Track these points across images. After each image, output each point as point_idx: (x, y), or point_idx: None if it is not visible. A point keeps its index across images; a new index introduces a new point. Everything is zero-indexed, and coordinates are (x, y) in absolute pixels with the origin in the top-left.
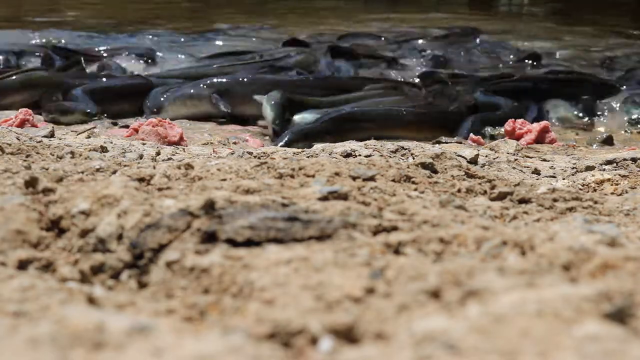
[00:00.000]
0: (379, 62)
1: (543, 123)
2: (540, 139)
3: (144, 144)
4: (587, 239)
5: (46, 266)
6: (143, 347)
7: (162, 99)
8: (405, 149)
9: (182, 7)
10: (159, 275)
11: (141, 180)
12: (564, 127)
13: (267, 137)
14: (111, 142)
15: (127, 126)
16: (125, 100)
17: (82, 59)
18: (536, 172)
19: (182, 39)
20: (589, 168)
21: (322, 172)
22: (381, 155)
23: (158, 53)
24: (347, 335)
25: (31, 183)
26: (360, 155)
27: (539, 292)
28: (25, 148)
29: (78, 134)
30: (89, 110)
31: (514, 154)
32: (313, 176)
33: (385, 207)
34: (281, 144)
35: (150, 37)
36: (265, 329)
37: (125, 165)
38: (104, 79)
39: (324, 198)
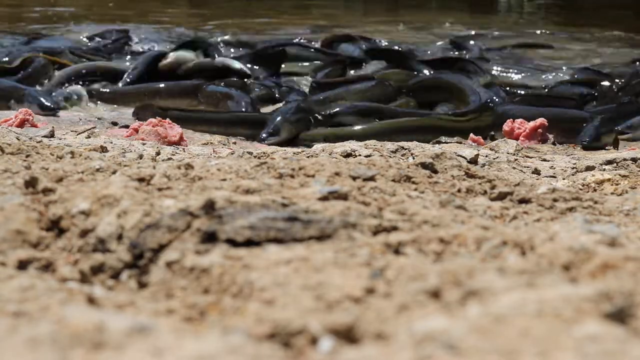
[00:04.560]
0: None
1: (539, 120)
2: (532, 135)
3: (144, 144)
4: (587, 239)
5: (46, 266)
6: (143, 347)
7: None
8: (405, 149)
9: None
10: (159, 275)
11: (141, 180)
12: None
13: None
14: (111, 142)
15: (127, 126)
16: None
17: None
18: (536, 172)
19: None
20: (589, 168)
21: (322, 172)
22: (381, 155)
23: None
24: (347, 335)
25: (31, 183)
26: (360, 155)
27: (539, 292)
28: (25, 148)
29: (78, 134)
30: None
31: (514, 154)
32: (313, 176)
33: (385, 207)
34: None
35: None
36: (265, 329)
37: (125, 165)
38: None
39: (324, 198)
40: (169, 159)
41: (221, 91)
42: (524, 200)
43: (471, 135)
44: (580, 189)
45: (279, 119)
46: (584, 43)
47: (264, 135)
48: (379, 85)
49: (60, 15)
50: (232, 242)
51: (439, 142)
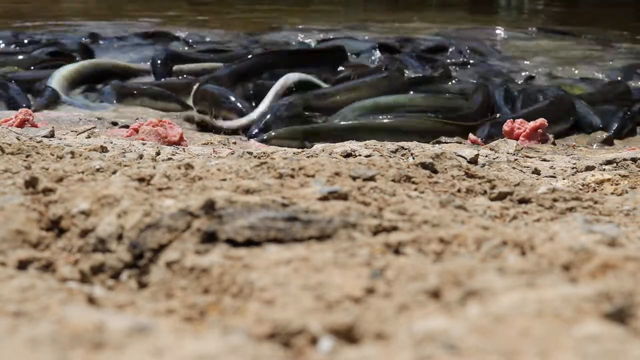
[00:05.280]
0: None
1: (539, 120)
2: (532, 135)
3: (144, 144)
4: (587, 239)
5: (46, 266)
6: (143, 347)
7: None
8: (405, 149)
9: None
10: (159, 275)
11: (141, 180)
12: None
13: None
14: (111, 142)
15: (127, 126)
16: None
17: None
18: (536, 172)
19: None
20: (589, 168)
21: (322, 172)
22: (381, 155)
23: None
24: (347, 335)
25: (31, 183)
26: (360, 155)
27: (539, 292)
28: (25, 148)
29: (78, 134)
30: None
31: (514, 154)
32: (313, 176)
33: (385, 207)
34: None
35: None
36: (265, 329)
37: (125, 165)
38: None
39: (324, 198)
40: (169, 159)
41: (214, 90)
42: (524, 200)
43: (470, 135)
44: (580, 189)
45: (269, 116)
46: (583, 41)
47: (255, 131)
48: (390, 77)
49: (65, 12)
50: (232, 242)
51: (439, 142)
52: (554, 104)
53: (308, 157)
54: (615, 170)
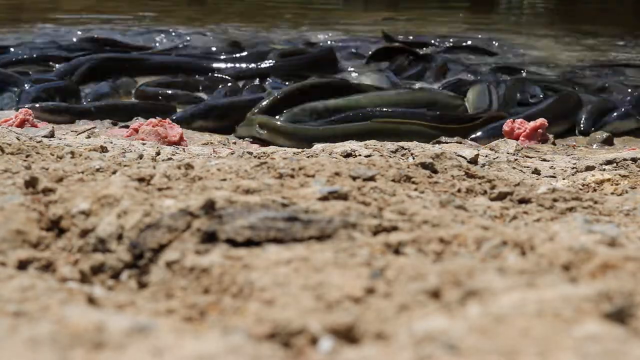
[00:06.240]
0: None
1: (539, 120)
2: (532, 135)
3: (144, 144)
4: (587, 239)
5: (46, 266)
6: (143, 347)
7: None
8: (405, 149)
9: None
10: (159, 275)
11: (141, 180)
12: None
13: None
14: (111, 142)
15: (127, 126)
16: None
17: None
18: (536, 172)
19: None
20: (589, 168)
21: (322, 172)
22: (381, 155)
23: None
24: (347, 335)
25: (31, 183)
26: (360, 155)
27: (539, 292)
28: (25, 148)
29: (78, 134)
30: None
31: (514, 154)
32: (313, 176)
33: (385, 207)
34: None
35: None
36: (265, 329)
37: (125, 165)
38: None
39: (324, 198)
40: (169, 159)
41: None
42: (524, 200)
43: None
44: (580, 189)
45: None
46: (583, 41)
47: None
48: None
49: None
50: (232, 242)
51: (439, 142)
52: (558, 101)
53: (308, 157)
54: (615, 170)
